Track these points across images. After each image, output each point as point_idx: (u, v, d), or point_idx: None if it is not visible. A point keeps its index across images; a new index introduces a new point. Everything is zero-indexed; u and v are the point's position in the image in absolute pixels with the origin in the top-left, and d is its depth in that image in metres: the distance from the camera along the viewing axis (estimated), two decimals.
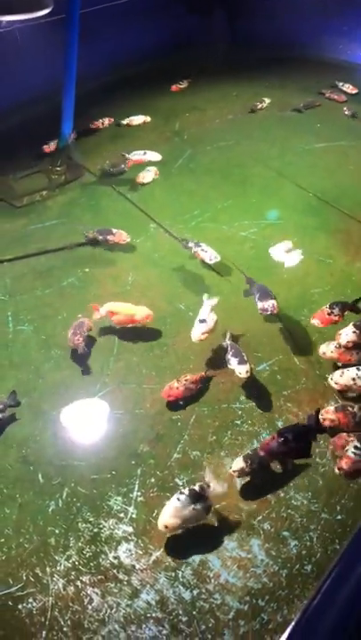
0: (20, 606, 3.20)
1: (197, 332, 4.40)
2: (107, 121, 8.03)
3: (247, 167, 6.96)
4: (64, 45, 6.60)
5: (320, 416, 3.84)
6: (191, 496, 3.34)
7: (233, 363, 4.16)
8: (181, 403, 4.18)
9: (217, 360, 4.45)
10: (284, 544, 3.40)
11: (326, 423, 3.82)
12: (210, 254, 5.27)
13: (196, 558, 3.36)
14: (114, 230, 5.61)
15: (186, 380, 4.17)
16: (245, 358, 4.18)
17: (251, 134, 7.64)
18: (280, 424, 4.03)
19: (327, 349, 4.28)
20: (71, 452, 3.93)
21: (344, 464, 3.51)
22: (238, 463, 3.61)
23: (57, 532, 3.50)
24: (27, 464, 3.88)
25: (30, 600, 3.22)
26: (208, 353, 4.53)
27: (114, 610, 3.17)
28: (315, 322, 4.41)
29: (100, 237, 5.61)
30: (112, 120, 8.07)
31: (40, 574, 3.32)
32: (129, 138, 7.73)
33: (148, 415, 4.14)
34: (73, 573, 3.32)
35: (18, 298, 5.21)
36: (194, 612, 3.14)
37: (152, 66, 9.66)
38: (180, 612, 3.15)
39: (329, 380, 4.10)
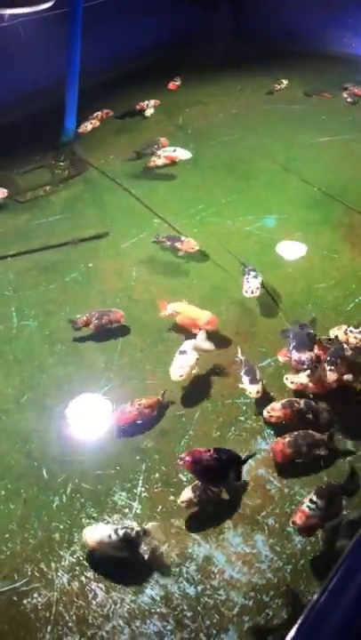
0: (24, 601, 3.20)
1: (175, 368, 4.13)
2: (152, 102, 8.21)
3: (252, 162, 6.92)
4: (67, 39, 6.57)
5: (267, 413, 3.84)
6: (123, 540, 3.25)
7: (245, 381, 4.05)
8: (140, 422, 4.00)
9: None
10: (288, 540, 3.39)
11: (273, 420, 3.81)
12: (250, 286, 4.75)
13: (201, 554, 3.35)
14: (182, 238, 5.35)
15: (140, 405, 3.97)
16: (258, 377, 4.07)
17: (255, 129, 7.60)
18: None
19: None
20: (75, 448, 3.92)
21: (298, 519, 3.25)
22: (186, 494, 3.48)
23: (61, 527, 3.50)
24: (31, 459, 3.88)
25: (35, 595, 3.22)
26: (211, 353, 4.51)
27: (118, 605, 3.17)
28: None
29: (169, 243, 5.40)
30: (158, 102, 8.24)
31: (45, 569, 3.33)
32: (134, 132, 7.69)
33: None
34: (77, 569, 3.32)
35: (21, 293, 5.21)
36: (198, 608, 3.14)
37: (155, 60, 9.59)
38: (185, 607, 3.15)
39: (285, 379, 4.08)
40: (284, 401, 3.88)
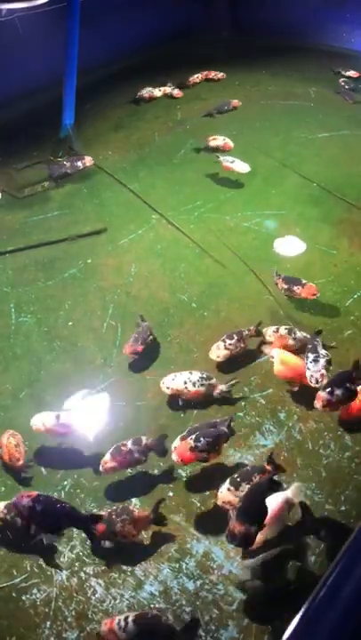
0: (24, 597, 3.20)
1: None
2: (201, 75, 8.71)
3: (250, 157, 6.89)
4: (65, 34, 6.55)
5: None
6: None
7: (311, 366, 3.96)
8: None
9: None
10: (288, 535, 3.39)
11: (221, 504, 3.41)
12: (313, 374, 4.00)
13: (200, 549, 3.36)
14: (303, 281, 4.78)
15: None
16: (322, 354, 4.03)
17: (254, 124, 7.57)
18: (282, 415, 4.02)
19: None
20: (74, 444, 3.92)
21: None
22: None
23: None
24: (30, 455, 3.87)
25: (34, 591, 3.23)
26: (210, 346, 4.50)
27: (118, 601, 3.17)
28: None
29: (285, 286, 4.80)
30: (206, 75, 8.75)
31: (44, 565, 3.33)
32: (132, 129, 7.67)
33: (150, 407, 4.14)
34: (77, 564, 3.33)
35: (20, 289, 5.20)
36: (197, 603, 3.14)
37: (153, 55, 9.57)
38: (184, 602, 3.15)
39: (161, 383, 4.06)
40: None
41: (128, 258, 5.50)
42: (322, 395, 3.60)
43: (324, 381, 3.85)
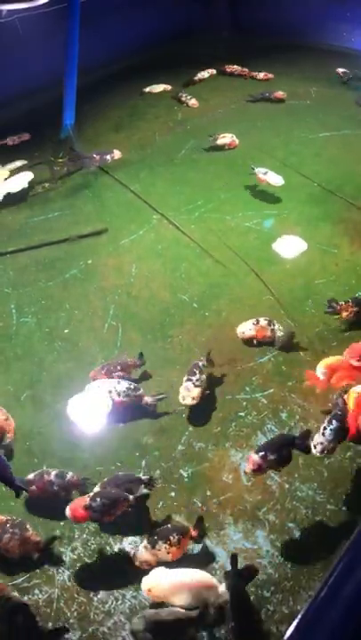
0: (25, 598, 3.19)
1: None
2: (208, 73, 8.93)
3: (251, 157, 6.89)
4: (65, 35, 6.55)
5: None
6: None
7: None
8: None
9: None
10: (289, 535, 3.39)
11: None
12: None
13: (202, 550, 3.35)
14: None
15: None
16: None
17: (255, 124, 7.57)
18: (284, 415, 4.02)
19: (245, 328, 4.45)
20: (76, 444, 3.92)
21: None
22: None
23: (62, 524, 3.49)
24: (31, 456, 3.88)
25: (36, 591, 3.22)
26: (212, 346, 4.50)
27: (120, 601, 3.17)
28: None
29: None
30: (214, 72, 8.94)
31: (46, 566, 3.32)
32: (132, 129, 7.67)
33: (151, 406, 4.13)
34: (78, 565, 3.32)
35: (21, 290, 5.20)
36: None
37: (153, 55, 9.57)
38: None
39: (87, 387, 4.05)
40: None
41: (129, 258, 5.49)
42: (254, 458, 3.35)
43: (194, 402, 3.92)
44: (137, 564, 3.22)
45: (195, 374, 4.05)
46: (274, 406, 4.09)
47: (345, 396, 3.60)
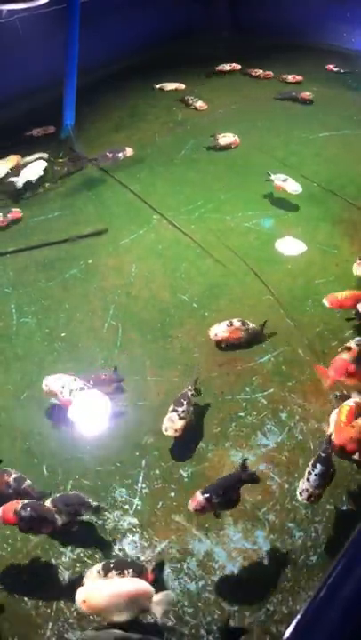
0: (25, 598, 3.20)
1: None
2: (230, 66, 9.08)
3: (251, 157, 6.90)
4: (65, 35, 6.55)
5: None
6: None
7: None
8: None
9: None
10: (289, 535, 3.39)
11: None
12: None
13: (201, 550, 3.35)
14: None
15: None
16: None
17: (255, 124, 7.58)
18: (284, 415, 4.02)
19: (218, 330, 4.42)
20: (75, 444, 3.92)
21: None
22: None
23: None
24: (31, 456, 3.87)
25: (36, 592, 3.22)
26: (212, 345, 4.50)
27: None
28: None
29: None
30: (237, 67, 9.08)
31: (46, 566, 3.32)
32: (132, 129, 7.68)
33: (152, 407, 4.13)
34: (78, 565, 3.32)
35: (21, 290, 5.20)
36: (199, 604, 3.14)
37: (153, 55, 9.58)
38: (186, 603, 3.15)
39: (43, 385, 4.01)
40: None
41: (129, 258, 5.50)
42: (198, 498, 3.24)
43: (176, 434, 3.76)
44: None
45: (182, 405, 3.86)
46: (274, 406, 4.09)
47: (336, 415, 3.56)
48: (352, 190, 6.16)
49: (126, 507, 3.57)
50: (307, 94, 8.06)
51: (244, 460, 3.39)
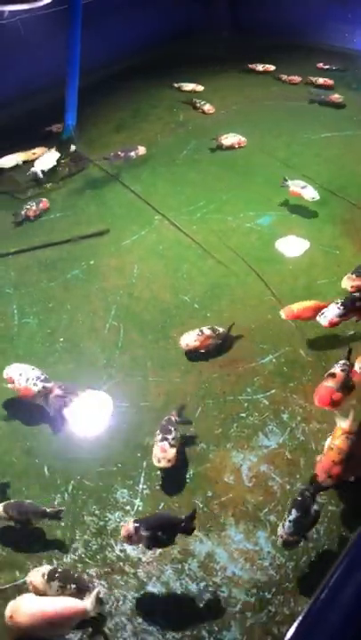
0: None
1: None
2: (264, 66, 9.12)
3: (253, 158, 6.90)
4: (67, 37, 6.55)
5: None
6: None
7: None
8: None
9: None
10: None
11: None
12: None
13: (203, 551, 3.35)
14: None
15: None
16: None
17: (257, 124, 7.56)
18: (286, 416, 4.01)
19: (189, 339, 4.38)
20: (76, 445, 3.92)
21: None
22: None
23: (63, 524, 3.49)
24: (32, 457, 3.87)
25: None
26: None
27: (120, 602, 3.17)
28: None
29: None
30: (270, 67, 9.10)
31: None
32: (134, 129, 7.68)
33: (153, 408, 4.13)
34: (79, 566, 3.32)
35: (23, 290, 5.20)
36: (200, 605, 3.14)
37: (154, 55, 9.58)
38: (187, 603, 3.14)
39: (6, 368, 4.07)
40: None
41: (130, 259, 5.50)
42: (128, 526, 3.14)
43: (169, 464, 3.59)
44: (28, 583, 3.10)
45: (170, 432, 3.67)
46: (275, 407, 4.09)
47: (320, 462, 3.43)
48: (354, 191, 6.15)
49: (127, 508, 3.57)
50: (336, 97, 7.95)
51: (194, 510, 3.24)
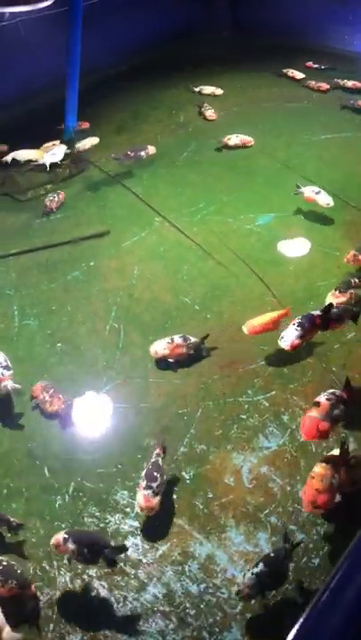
0: None
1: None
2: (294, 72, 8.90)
3: (253, 159, 6.90)
4: (67, 38, 6.56)
5: None
6: None
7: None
8: None
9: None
10: (291, 538, 3.38)
11: None
12: None
13: (203, 552, 3.35)
14: None
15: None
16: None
17: (256, 126, 7.57)
18: (286, 417, 4.02)
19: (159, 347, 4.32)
20: (77, 446, 3.93)
21: None
22: None
23: (63, 526, 3.49)
24: (33, 458, 3.88)
25: (37, 593, 3.22)
26: (213, 347, 4.50)
27: (121, 603, 3.17)
28: None
29: None
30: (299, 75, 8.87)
31: (47, 568, 3.33)
32: (134, 131, 7.68)
33: (153, 409, 4.14)
34: (80, 567, 3.32)
35: (23, 292, 5.20)
36: (201, 606, 3.14)
37: (154, 55, 9.58)
38: (188, 605, 3.15)
39: None
40: None
41: (131, 260, 5.50)
42: (57, 536, 3.18)
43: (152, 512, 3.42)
44: None
45: (155, 480, 3.45)
46: (275, 409, 4.09)
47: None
48: (354, 192, 6.16)
49: (128, 509, 3.57)
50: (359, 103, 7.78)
51: (123, 545, 3.25)
